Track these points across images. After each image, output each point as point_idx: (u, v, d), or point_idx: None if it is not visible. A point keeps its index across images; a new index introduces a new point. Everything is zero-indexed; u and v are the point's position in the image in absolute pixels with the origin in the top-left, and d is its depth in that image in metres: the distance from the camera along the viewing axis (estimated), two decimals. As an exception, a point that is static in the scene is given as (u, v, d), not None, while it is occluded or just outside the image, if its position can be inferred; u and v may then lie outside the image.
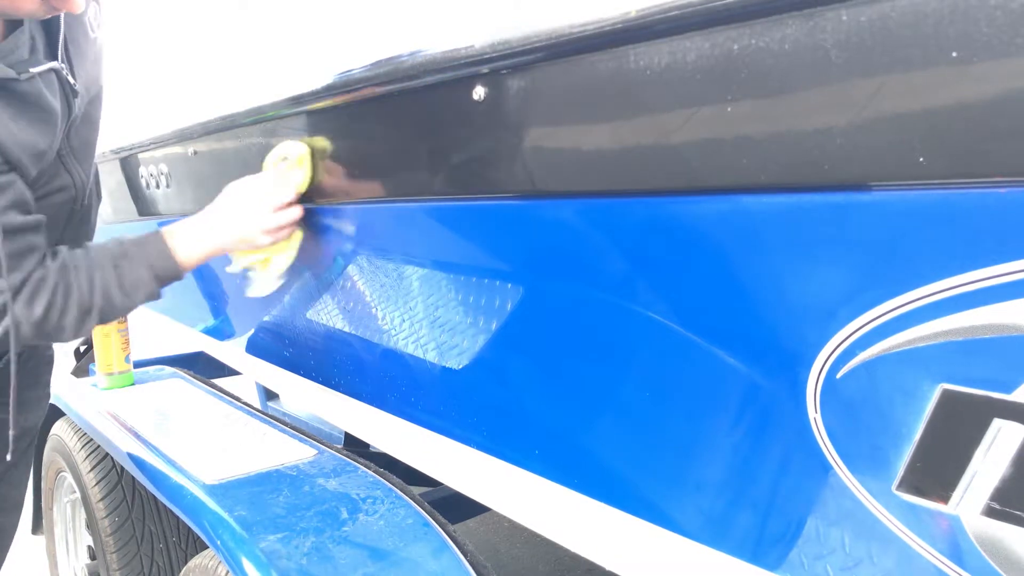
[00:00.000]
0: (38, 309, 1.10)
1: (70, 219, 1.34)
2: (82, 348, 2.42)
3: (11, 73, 1.04)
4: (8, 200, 1.07)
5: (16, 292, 1.08)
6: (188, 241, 1.23)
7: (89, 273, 1.15)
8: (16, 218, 1.08)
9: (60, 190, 1.28)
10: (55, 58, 1.16)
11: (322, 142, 1.23)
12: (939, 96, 0.55)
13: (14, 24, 1.11)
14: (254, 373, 1.99)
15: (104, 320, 1.19)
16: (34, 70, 1.08)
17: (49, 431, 1.99)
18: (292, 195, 1.26)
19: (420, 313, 1.18)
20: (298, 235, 1.34)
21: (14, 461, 1.46)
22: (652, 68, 0.70)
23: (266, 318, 1.74)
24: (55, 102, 1.16)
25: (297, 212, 1.28)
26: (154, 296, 1.22)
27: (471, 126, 0.95)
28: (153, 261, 1.19)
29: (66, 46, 1.19)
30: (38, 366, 1.54)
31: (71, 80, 1.20)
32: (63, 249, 1.18)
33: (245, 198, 1.26)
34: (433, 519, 1.15)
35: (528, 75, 0.84)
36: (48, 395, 1.64)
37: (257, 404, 2.35)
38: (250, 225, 1.25)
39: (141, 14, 2.00)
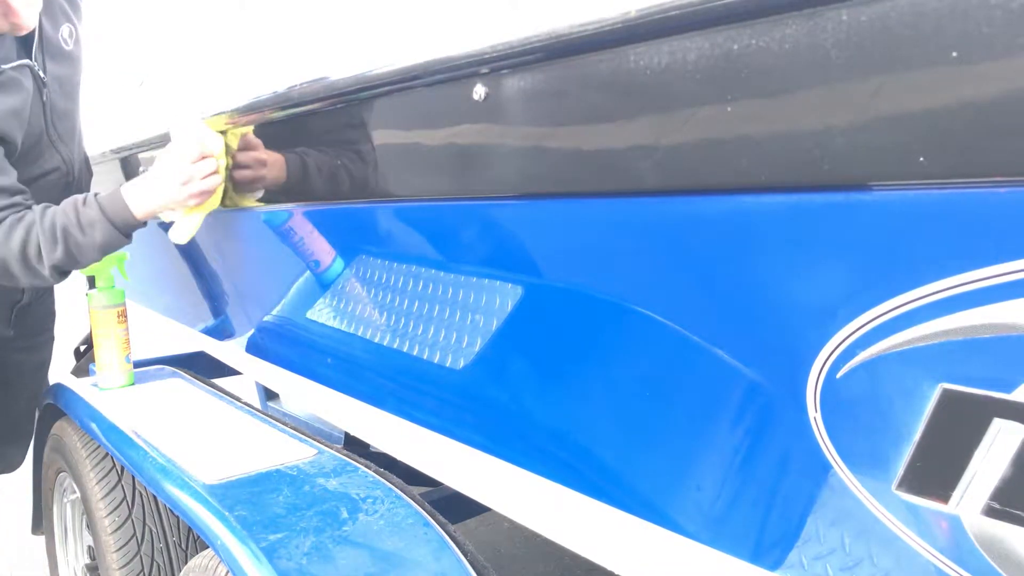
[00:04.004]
0: (13, 244, 1.39)
1: (66, 192, 1.69)
2: (82, 348, 2.42)
3: None
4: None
5: None
6: (136, 194, 1.44)
7: (52, 215, 1.42)
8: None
9: (55, 170, 1.75)
10: (29, 58, 1.60)
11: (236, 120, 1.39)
12: (939, 96, 0.55)
13: None
14: (254, 373, 1.99)
15: (72, 256, 1.43)
16: (6, 66, 1.50)
17: (49, 431, 1.99)
18: (202, 151, 1.40)
19: (420, 313, 1.18)
20: (213, 201, 1.48)
21: None
22: (652, 68, 0.71)
23: (266, 318, 1.74)
24: (28, 84, 1.59)
25: (211, 167, 1.41)
26: (114, 238, 1.43)
27: (471, 126, 0.95)
28: (106, 206, 1.42)
29: (41, 51, 1.63)
30: (45, 317, 2.07)
31: (41, 75, 1.64)
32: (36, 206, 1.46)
33: (167, 160, 1.42)
34: (433, 519, 1.15)
35: (528, 75, 0.84)
36: (53, 338, 2.15)
37: (257, 404, 2.35)
38: (172, 180, 1.41)
39: (141, 14, 2.00)
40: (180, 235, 1.50)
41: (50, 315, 2.11)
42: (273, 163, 1.39)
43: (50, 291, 2.10)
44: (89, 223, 1.41)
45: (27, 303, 1.94)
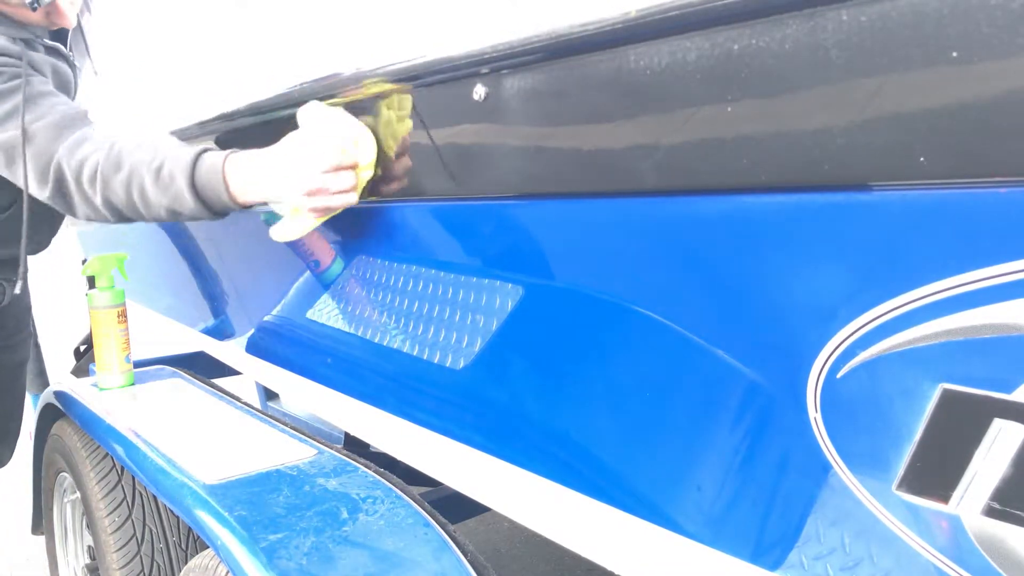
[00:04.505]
0: (75, 159, 1.25)
1: None
2: (82, 348, 2.42)
3: (34, 52, 1.50)
4: (46, 85, 1.40)
5: (59, 132, 1.28)
6: (244, 176, 1.16)
7: (132, 141, 1.23)
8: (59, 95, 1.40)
9: None
10: (64, 45, 1.67)
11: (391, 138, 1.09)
12: (939, 96, 0.55)
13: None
14: (254, 373, 1.99)
15: (131, 200, 1.22)
16: (51, 58, 1.57)
17: (49, 431, 1.99)
18: (346, 162, 1.09)
19: (420, 313, 1.18)
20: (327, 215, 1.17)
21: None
22: (652, 68, 0.71)
23: (266, 318, 1.74)
24: (67, 68, 1.67)
25: (350, 182, 1.09)
26: (187, 209, 1.19)
27: (471, 126, 0.95)
28: (200, 171, 1.16)
29: (73, 40, 1.69)
30: (23, 314, 2.02)
31: (75, 62, 1.71)
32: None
33: (299, 155, 1.11)
34: (433, 519, 1.15)
35: (528, 75, 0.84)
36: (31, 334, 2.14)
37: (257, 404, 2.35)
38: (296, 183, 1.10)
39: (142, 13, 2.00)
40: (285, 235, 1.19)
41: (27, 311, 2.08)
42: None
43: (26, 288, 1.97)
44: (169, 176, 1.16)
45: (6, 304, 1.92)
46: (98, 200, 1.24)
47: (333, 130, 1.09)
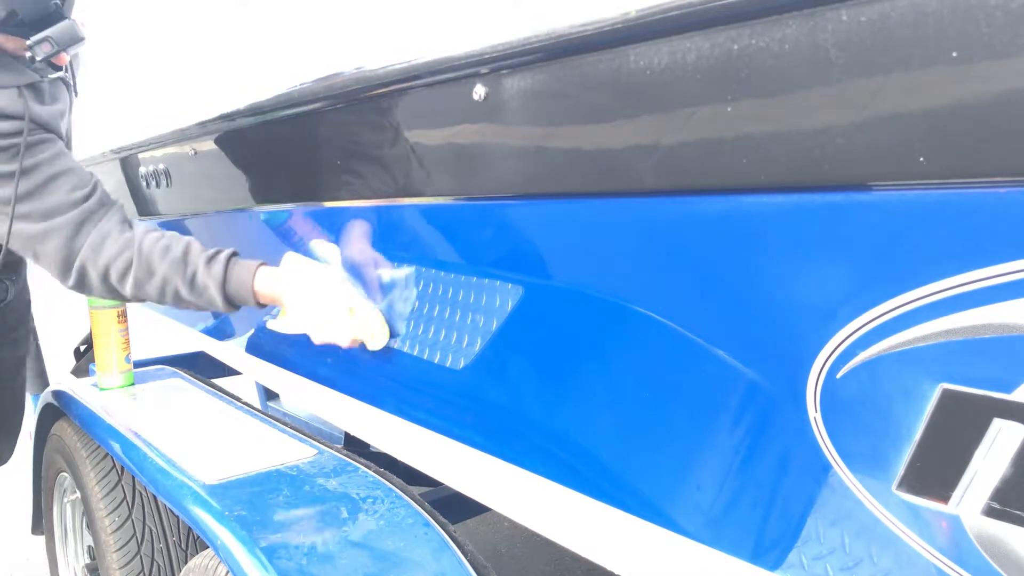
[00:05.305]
0: (101, 259, 1.34)
1: None
2: (82, 348, 2.42)
3: (36, 77, 1.43)
4: (57, 150, 1.39)
5: (78, 229, 1.34)
6: (266, 292, 1.32)
7: (156, 246, 1.34)
8: (69, 163, 1.40)
9: None
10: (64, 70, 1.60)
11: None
12: (939, 96, 0.55)
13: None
14: (254, 373, 1.99)
15: (163, 298, 1.37)
16: (53, 75, 1.48)
17: (49, 431, 1.99)
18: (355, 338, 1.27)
19: (420, 313, 1.18)
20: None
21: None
22: (652, 68, 0.70)
23: (266, 317, 1.74)
24: (65, 92, 1.60)
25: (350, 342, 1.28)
26: (219, 308, 1.34)
27: (471, 126, 0.95)
28: (231, 282, 1.33)
29: (71, 66, 1.61)
30: (23, 310, 2.02)
31: (74, 85, 1.66)
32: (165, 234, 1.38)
33: (311, 321, 1.30)
34: (433, 519, 1.15)
35: (528, 75, 0.84)
36: (30, 330, 2.12)
37: (257, 404, 2.35)
38: (307, 326, 1.30)
39: (142, 13, 2.00)
40: (282, 329, 1.37)
41: (27, 307, 2.10)
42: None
43: (26, 284, 2.05)
44: (203, 286, 1.33)
45: (9, 300, 1.93)
46: (126, 294, 1.38)
47: (357, 322, 1.27)
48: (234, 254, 1.35)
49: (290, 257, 1.34)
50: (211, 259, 1.33)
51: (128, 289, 1.36)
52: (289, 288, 1.30)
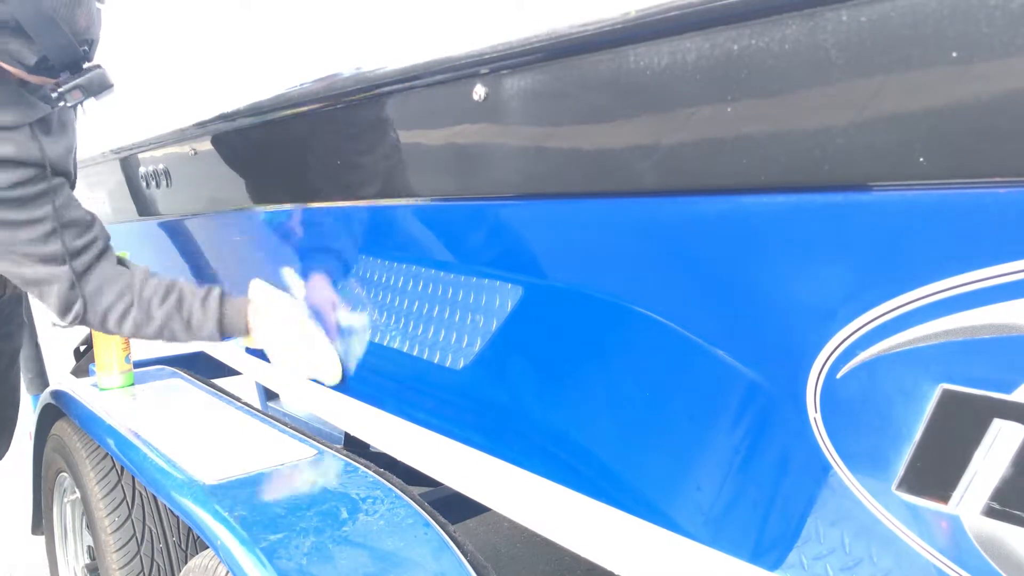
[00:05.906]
0: (100, 304, 1.45)
1: None
2: (82, 348, 2.42)
3: (48, 110, 1.46)
4: (65, 198, 1.44)
5: (80, 277, 1.43)
6: (256, 335, 1.52)
7: (156, 292, 1.47)
8: (74, 212, 1.45)
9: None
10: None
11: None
12: (939, 96, 0.55)
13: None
14: (254, 373, 1.99)
15: (159, 337, 1.51)
16: (68, 103, 1.47)
17: (49, 431, 1.99)
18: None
19: (420, 313, 1.18)
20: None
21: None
22: (652, 68, 0.70)
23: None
24: (74, 119, 1.65)
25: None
26: (214, 341, 1.52)
27: (471, 126, 0.95)
28: (226, 321, 1.50)
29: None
30: (16, 303, 2.04)
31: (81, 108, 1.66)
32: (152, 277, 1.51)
33: (283, 357, 1.52)
34: (433, 519, 1.15)
35: (528, 75, 0.84)
36: (23, 323, 2.16)
37: (257, 404, 2.35)
38: (279, 360, 1.52)
39: (143, 13, 2.00)
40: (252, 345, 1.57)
41: (19, 300, 2.11)
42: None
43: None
44: (199, 326, 1.48)
45: (5, 296, 1.94)
46: (123, 334, 1.50)
47: (308, 356, 1.47)
48: (223, 293, 1.50)
49: (256, 284, 1.54)
50: (204, 300, 1.48)
51: (126, 330, 1.47)
52: (253, 311, 1.50)
